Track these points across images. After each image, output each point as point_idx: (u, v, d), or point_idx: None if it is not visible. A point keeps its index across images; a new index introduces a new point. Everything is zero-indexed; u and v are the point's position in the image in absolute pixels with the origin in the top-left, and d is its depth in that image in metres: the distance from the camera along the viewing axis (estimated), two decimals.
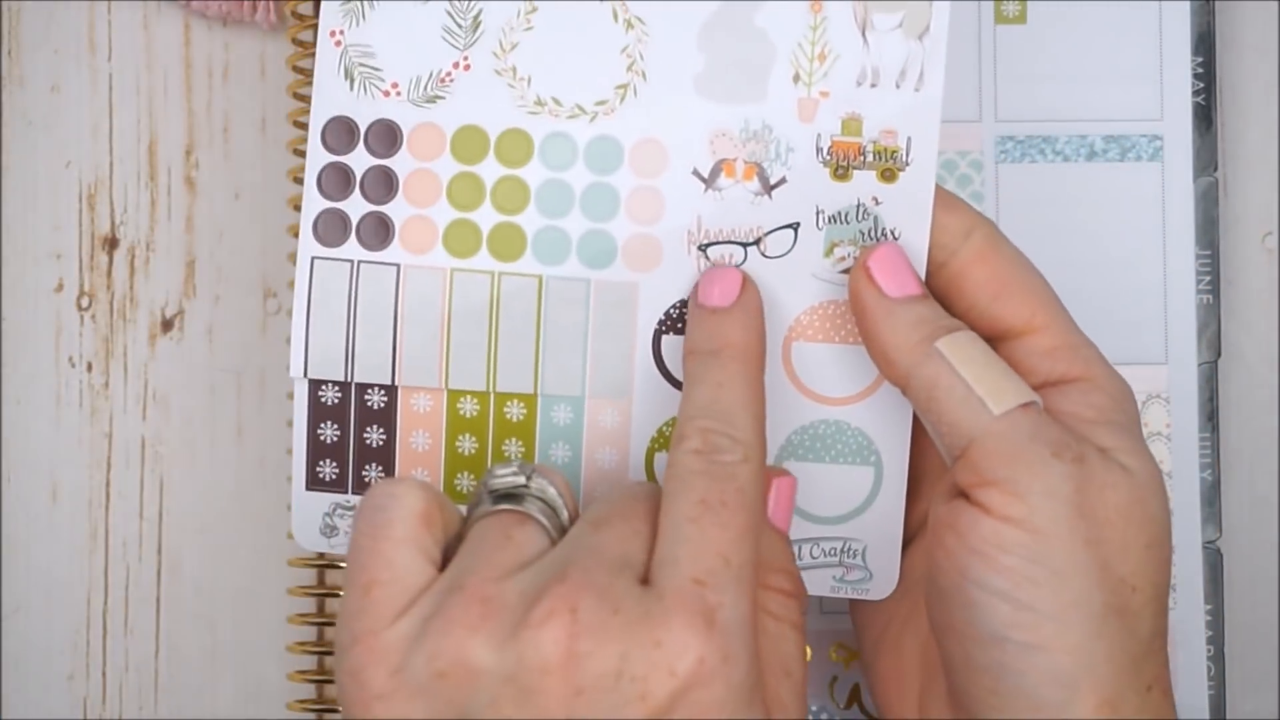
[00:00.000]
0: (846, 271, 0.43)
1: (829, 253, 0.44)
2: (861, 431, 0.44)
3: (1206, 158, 0.51)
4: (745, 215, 0.44)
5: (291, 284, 0.47)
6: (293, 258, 0.48)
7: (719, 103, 0.44)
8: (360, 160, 0.44)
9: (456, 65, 0.44)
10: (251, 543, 0.52)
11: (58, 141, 0.53)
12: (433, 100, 0.44)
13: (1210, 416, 0.51)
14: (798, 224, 0.44)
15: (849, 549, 0.44)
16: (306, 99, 0.46)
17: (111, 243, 0.53)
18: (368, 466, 0.45)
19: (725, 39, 0.44)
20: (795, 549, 0.44)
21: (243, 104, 0.53)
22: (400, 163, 0.44)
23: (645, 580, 0.38)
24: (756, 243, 0.44)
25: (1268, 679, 0.52)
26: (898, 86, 0.43)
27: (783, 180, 0.44)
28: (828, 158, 0.43)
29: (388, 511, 0.39)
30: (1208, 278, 0.51)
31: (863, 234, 0.43)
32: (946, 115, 0.51)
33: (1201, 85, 0.51)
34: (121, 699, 0.52)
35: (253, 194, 0.53)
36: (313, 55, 0.45)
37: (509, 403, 0.45)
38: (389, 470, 0.45)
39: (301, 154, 0.47)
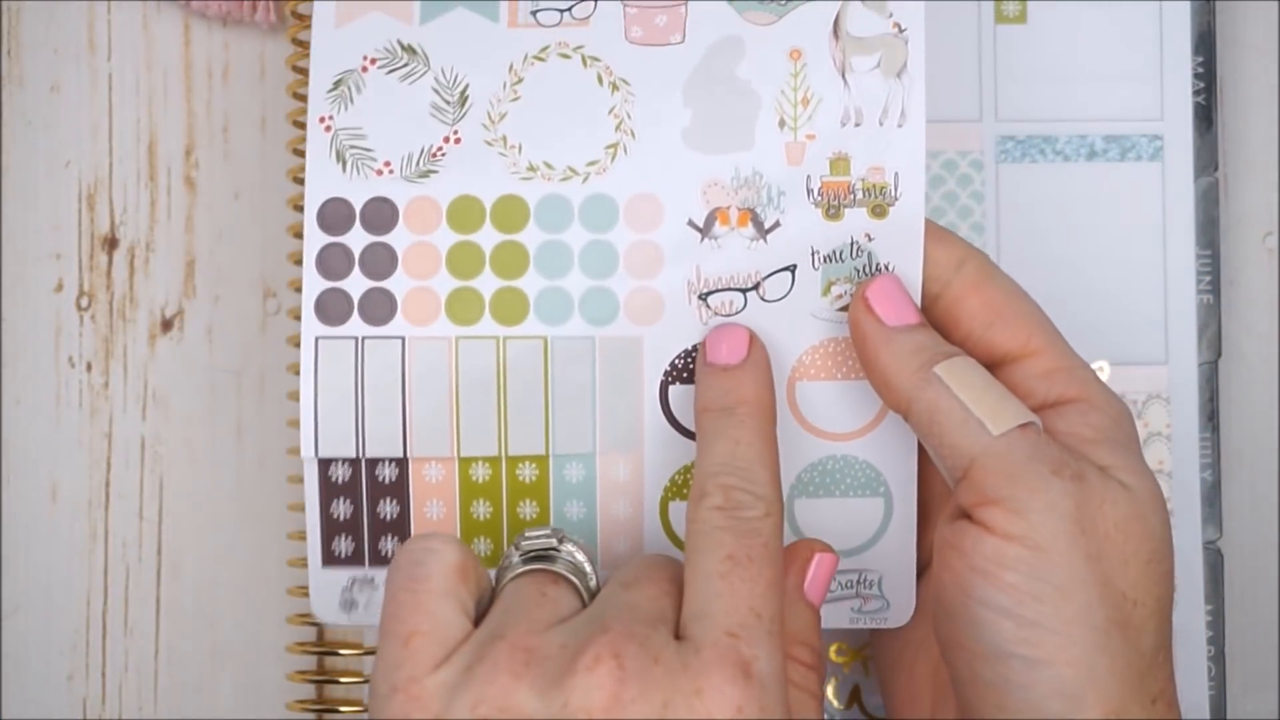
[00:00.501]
0: (845, 309, 0.44)
1: (826, 291, 0.44)
2: (869, 464, 0.45)
3: (1206, 158, 0.51)
4: (743, 261, 0.45)
5: (291, 284, 0.47)
6: (293, 258, 0.48)
7: (708, 153, 0.45)
8: (358, 239, 0.45)
9: (447, 140, 0.45)
10: (251, 543, 0.52)
11: (58, 141, 0.53)
12: (426, 175, 0.45)
13: (1210, 416, 0.51)
14: (794, 266, 0.45)
15: (865, 580, 0.45)
16: (306, 99, 0.46)
17: (111, 243, 0.53)
18: (383, 539, 0.46)
19: (709, 92, 0.45)
20: None
21: (243, 104, 0.53)
22: (398, 238, 0.45)
23: (678, 636, 0.39)
24: (755, 287, 0.45)
25: (1268, 679, 0.52)
26: (881, 124, 0.45)
27: (776, 224, 0.45)
28: (819, 198, 0.44)
29: (425, 565, 0.39)
30: (1208, 278, 0.51)
31: (858, 270, 0.44)
32: (946, 115, 0.51)
33: (1202, 85, 0.51)
34: (121, 699, 0.52)
35: (253, 194, 0.53)
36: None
37: (521, 465, 0.45)
38: (404, 540, 0.46)
39: (301, 154, 0.47)
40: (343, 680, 0.50)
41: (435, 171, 0.45)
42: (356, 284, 0.45)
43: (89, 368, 0.52)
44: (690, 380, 0.45)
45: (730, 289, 0.45)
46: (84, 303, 0.52)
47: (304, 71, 0.49)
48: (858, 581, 0.45)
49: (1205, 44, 0.51)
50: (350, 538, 0.46)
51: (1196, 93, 0.51)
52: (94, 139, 0.53)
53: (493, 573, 0.41)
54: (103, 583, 0.52)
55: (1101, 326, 0.51)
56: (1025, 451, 0.41)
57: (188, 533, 0.52)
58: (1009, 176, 0.51)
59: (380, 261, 0.45)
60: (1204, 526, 0.51)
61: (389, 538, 0.46)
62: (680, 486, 0.45)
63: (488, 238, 0.45)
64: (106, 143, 0.53)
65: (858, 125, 0.45)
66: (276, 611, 0.52)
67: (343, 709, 0.50)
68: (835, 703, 0.50)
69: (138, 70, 0.53)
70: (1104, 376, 0.50)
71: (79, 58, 0.53)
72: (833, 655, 0.50)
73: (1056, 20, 0.51)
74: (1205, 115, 0.51)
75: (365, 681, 0.50)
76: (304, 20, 0.50)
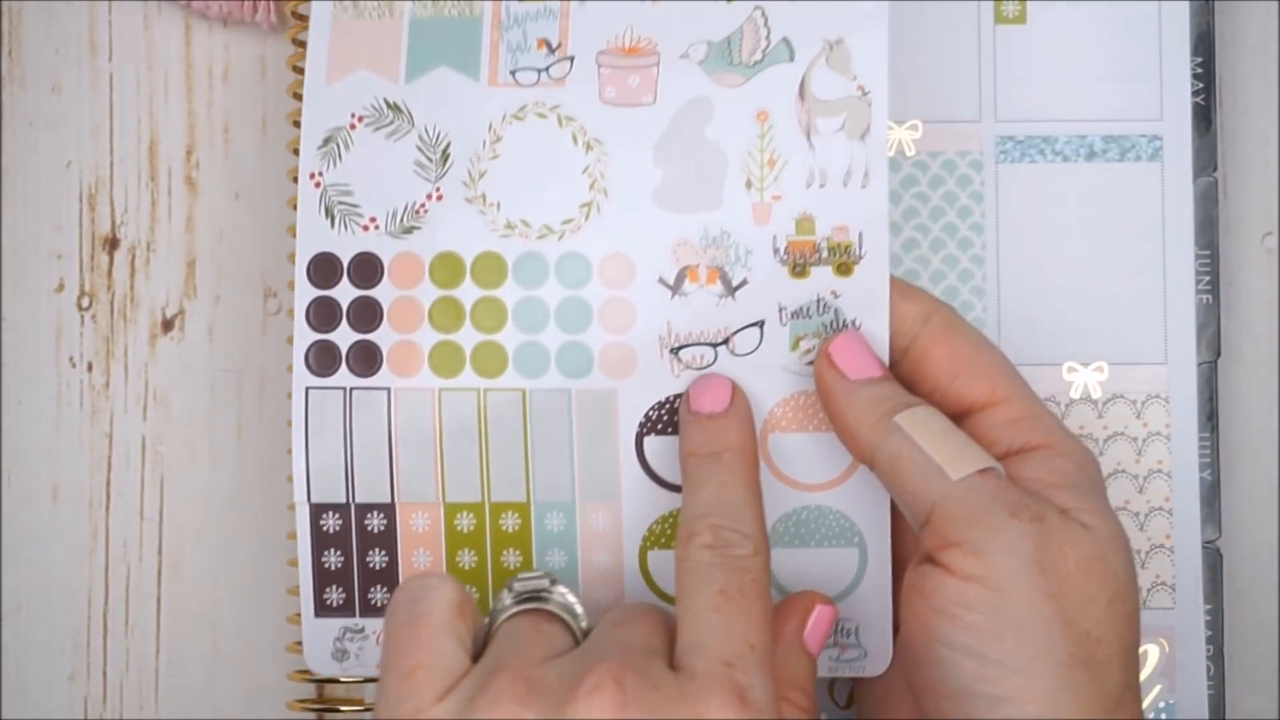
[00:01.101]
0: (813, 363, 0.46)
1: (795, 346, 0.46)
2: (843, 514, 0.46)
3: (1206, 158, 0.51)
4: (712, 317, 0.46)
5: (292, 285, 0.47)
6: (292, 258, 0.48)
7: (678, 213, 0.46)
8: (345, 293, 0.47)
9: (430, 196, 0.47)
10: (251, 543, 0.52)
11: (58, 141, 0.53)
12: (409, 231, 0.46)
13: (1210, 416, 0.51)
14: (762, 321, 0.46)
15: (842, 629, 0.46)
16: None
17: (112, 243, 0.53)
18: (373, 589, 0.47)
19: (679, 153, 0.46)
20: None
21: (243, 104, 0.53)
22: (383, 292, 0.47)
23: (672, 667, 0.39)
24: (725, 342, 0.46)
25: (1268, 679, 0.52)
26: (845, 185, 0.46)
27: (744, 282, 0.46)
28: (785, 257, 0.46)
29: (425, 602, 0.40)
30: (1208, 278, 0.51)
31: (825, 326, 0.46)
32: (946, 115, 0.51)
33: (1201, 85, 0.51)
34: (121, 699, 0.52)
35: (253, 194, 0.53)
36: None
37: (504, 514, 0.47)
38: (392, 590, 0.47)
39: None
40: (343, 680, 0.50)
41: (418, 228, 0.47)
42: (344, 336, 0.46)
43: (90, 368, 0.52)
44: (664, 431, 0.46)
45: (701, 344, 0.46)
46: (85, 303, 0.52)
47: (304, 71, 0.50)
48: (835, 631, 0.46)
49: (1204, 44, 0.51)
50: (341, 588, 0.47)
51: (1195, 93, 0.51)
52: (95, 139, 0.53)
53: (486, 619, 0.42)
54: (103, 582, 0.52)
55: (1101, 326, 0.51)
56: (985, 495, 0.41)
57: (188, 533, 0.52)
58: (1009, 176, 0.51)
59: (366, 315, 0.46)
60: (1204, 526, 0.51)
61: (379, 588, 0.47)
62: (658, 536, 0.46)
63: (468, 293, 0.46)
64: (107, 143, 0.53)
65: (822, 186, 0.46)
66: (276, 611, 0.52)
67: (343, 708, 0.51)
68: (835, 703, 0.50)
69: (138, 70, 0.53)
70: (1103, 376, 0.51)
71: (80, 58, 0.53)
72: None
73: (1056, 20, 0.51)
74: (1204, 115, 0.51)
75: (366, 681, 0.50)
76: (304, 21, 0.50)
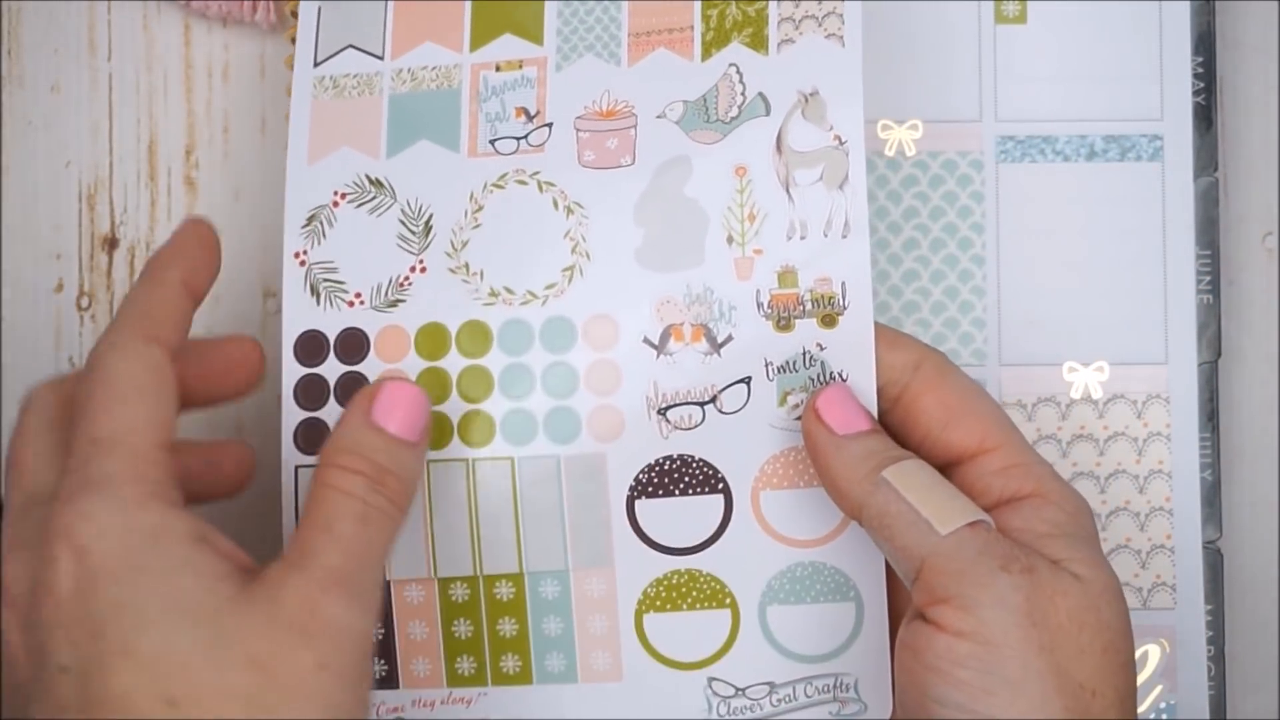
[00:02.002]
0: (801, 418, 0.45)
1: (782, 402, 0.45)
2: (838, 569, 0.46)
3: (1206, 158, 0.51)
4: (698, 375, 0.46)
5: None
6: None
7: (660, 271, 0.46)
8: (332, 369, 0.46)
9: (413, 269, 0.46)
10: (251, 542, 0.52)
11: (58, 141, 0.53)
12: (394, 304, 0.46)
13: (1210, 416, 0.51)
14: (749, 378, 0.46)
15: (841, 684, 0.46)
16: None
17: (111, 243, 0.53)
18: (374, 663, 0.47)
19: (659, 212, 0.46)
20: (790, 689, 0.46)
21: (243, 104, 0.53)
22: (369, 367, 0.46)
23: None
24: (713, 400, 0.46)
25: (1268, 679, 0.52)
26: (825, 235, 0.45)
27: (729, 338, 0.46)
28: (769, 311, 0.45)
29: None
30: (1208, 278, 0.51)
31: (812, 380, 0.45)
32: (947, 115, 0.51)
33: (1201, 85, 0.51)
34: None
35: (253, 194, 0.53)
36: None
37: (498, 584, 0.46)
38: (390, 661, 0.47)
39: None
40: None
41: (403, 300, 0.46)
42: (333, 413, 0.46)
43: None
44: (656, 494, 0.46)
45: (688, 403, 0.46)
46: (84, 303, 0.52)
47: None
48: (834, 685, 0.46)
49: (1205, 44, 0.51)
50: None
51: (1196, 93, 0.51)
52: (94, 139, 0.53)
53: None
54: None
55: (1101, 326, 0.51)
56: (974, 549, 0.41)
57: None
58: (1009, 176, 0.51)
59: (354, 390, 0.45)
60: (1204, 526, 0.51)
61: (377, 661, 0.47)
62: (654, 599, 0.46)
63: (454, 363, 0.46)
64: (107, 143, 0.53)
65: (803, 238, 0.45)
66: None
67: None
68: None
69: (138, 70, 0.53)
70: (1103, 376, 0.51)
71: (79, 58, 0.53)
72: None
73: (1056, 20, 0.51)
74: (1205, 115, 0.51)
75: None
76: None
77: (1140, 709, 0.50)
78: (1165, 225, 0.51)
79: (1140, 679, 0.50)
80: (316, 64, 0.48)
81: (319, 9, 0.48)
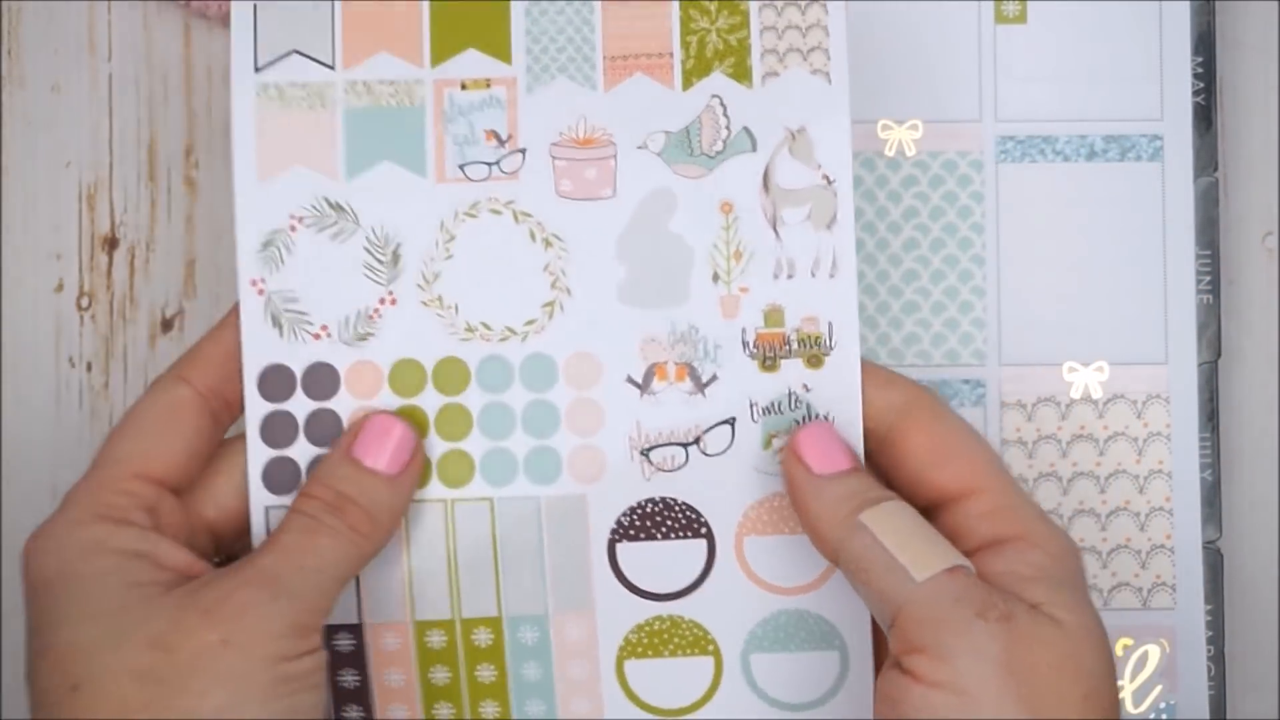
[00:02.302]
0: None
1: (767, 445, 0.45)
2: (822, 618, 0.45)
3: (1206, 158, 0.51)
4: (682, 416, 0.45)
5: None
6: None
7: (644, 308, 0.45)
8: (301, 406, 0.45)
9: (383, 301, 0.45)
10: None
11: (58, 141, 0.53)
12: (364, 338, 0.45)
13: (1210, 416, 0.51)
14: (734, 419, 0.45)
15: None
16: None
17: (111, 243, 0.53)
18: (346, 708, 0.46)
19: (643, 247, 0.45)
20: None
21: None
22: (341, 404, 0.45)
23: None
24: (696, 442, 0.45)
25: (1268, 679, 0.52)
26: (813, 275, 0.45)
27: (714, 378, 0.45)
28: (754, 350, 0.45)
29: None
30: (1208, 278, 0.51)
31: (797, 422, 0.45)
32: (947, 115, 0.51)
33: (1201, 85, 0.51)
34: None
35: None
36: None
37: (475, 630, 0.45)
38: (368, 710, 0.46)
39: None
40: None
41: (373, 334, 0.45)
42: (303, 451, 0.44)
43: (89, 368, 0.52)
44: (637, 538, 0.45)
45: (671, 444, 0.45)
46: (84, 303, 0.52)
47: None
48: None
49: (1205, 44, 0.51)
50: None
51: (1196, 93, 0.51)
52: (94, 139, 0.53)
53: None
54: None
55: (1101, 326, 0.51)
56: (951, 596, 0.40)
57: None
58: (1009, 176, 0.51)
59: (325, 428, 0.45)
60: (1204, 526, 0.51)
61: (353, 707, 0.46)
62: (635, 645, 0.46)
63: (430, 401, 0.45)
64: (107, 143, 0.53)
65: (790, 277, 0.45)
66: None
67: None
68: None
69: (138, 70, 0.53)
70: (1103, 376, 0.51)
71: (79, 58, 0.53)
72: None
73: (1056, 20, 0.51)
74: (1205, 115, 0.51)
75: None
76: None
77: (1140, 709, 0.50)
78: (1165, 225, 0.51)
79: (1140, 679, 0.50)
80: (258, 69, 0.45)
81: (254, 8, 0.45)
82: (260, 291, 0.44)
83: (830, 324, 0.45)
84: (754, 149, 0.45)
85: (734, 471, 0.45)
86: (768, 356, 0.45)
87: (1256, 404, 0.53)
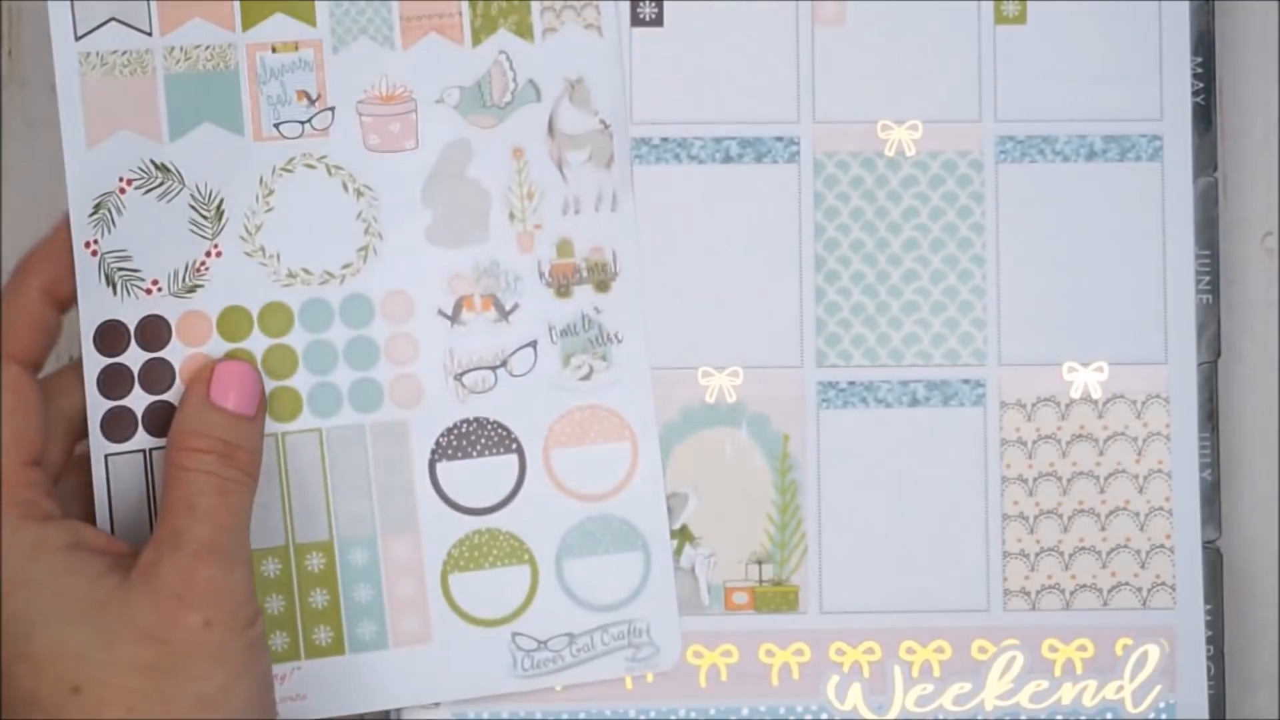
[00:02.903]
0: (585, 379, 0.49)
1: (566, 363, 0.49)
2: (625, 521, 0.49)
3: (1206, 158, 0.51)
4: (489, 342, 0.49)
5: None
6: None
7: (450, 248, 0.49)
8: (135, 357, 0.47)
9: (209, 254, 0.48)
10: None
11: (58, 141, 0.52)
12: (192, 290, 0.48)
13: (1210, 416, 0.51)
14: (535, 342, 0.49)
15: (634, 629, 0.49)
16: None
17: None
18: None
19: (445, 192, 0.49)
20: (588, 639, 0.49)
21: None
22: (173, 352, 0.47)
23: None
24: (503, 364, 0.49)
25: (1268, 679, 0.52)
26: (596, 209, 0.49)
27: (516, 306, 0.49)
28: (550, 280, 0.49)
29: None
30: (1208, 278, 0.51)
31: (591, 341, 0.49)
32: (947, 115, 0.51)
33: (1201, 85, 0.51)
34: None
35: None
36: None
37: (309, 555, 0.48)
38: None
39: None
40: None
41: (201, 285, 0.48)
42: (139, 400, 0.47)
43: None
44: (456, 456, 0.49)
45: (481, 368, 0.49)
46: None
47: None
48: (629, 632, 0.49)
49: (1205, 44, 0.51)
50: None
51: (1195, 93, 0.51)
52: None
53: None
54: None
55: (1101, 326, 0.51)
56: None
57: None
58: (1009, 176, 0.51)
59: (158, 377, 0.47)
60: (1204, 526, 0.51)
61: None
62: (458, 559, 0.48)
63: (258, 343, 0.48)
64: None
65: (577, 212, 0.49)
66: None
67: None
68: (835, 703, 0.50)
69: None
70: (1103, 376, 0.51)
71: None
72: (832, 655, 0.50)
73: (1056, 20, 0.51)
74: (1204, 115, 0.51)
75: None
76: None
77: (1140, 709, 0.50)
78: (1165, 225, 0.51)
79: (1140, 679, 0.50)
80: (78, 38, 0.47)
81: None
82: (94, 253, 0.47)
83: (614, 252, 0.49)
84: (539, 99, 0.49)
85: (539, 390, 0.49)
86: (562, 284, 0.49)
87: (1256, 404, 0.53)
